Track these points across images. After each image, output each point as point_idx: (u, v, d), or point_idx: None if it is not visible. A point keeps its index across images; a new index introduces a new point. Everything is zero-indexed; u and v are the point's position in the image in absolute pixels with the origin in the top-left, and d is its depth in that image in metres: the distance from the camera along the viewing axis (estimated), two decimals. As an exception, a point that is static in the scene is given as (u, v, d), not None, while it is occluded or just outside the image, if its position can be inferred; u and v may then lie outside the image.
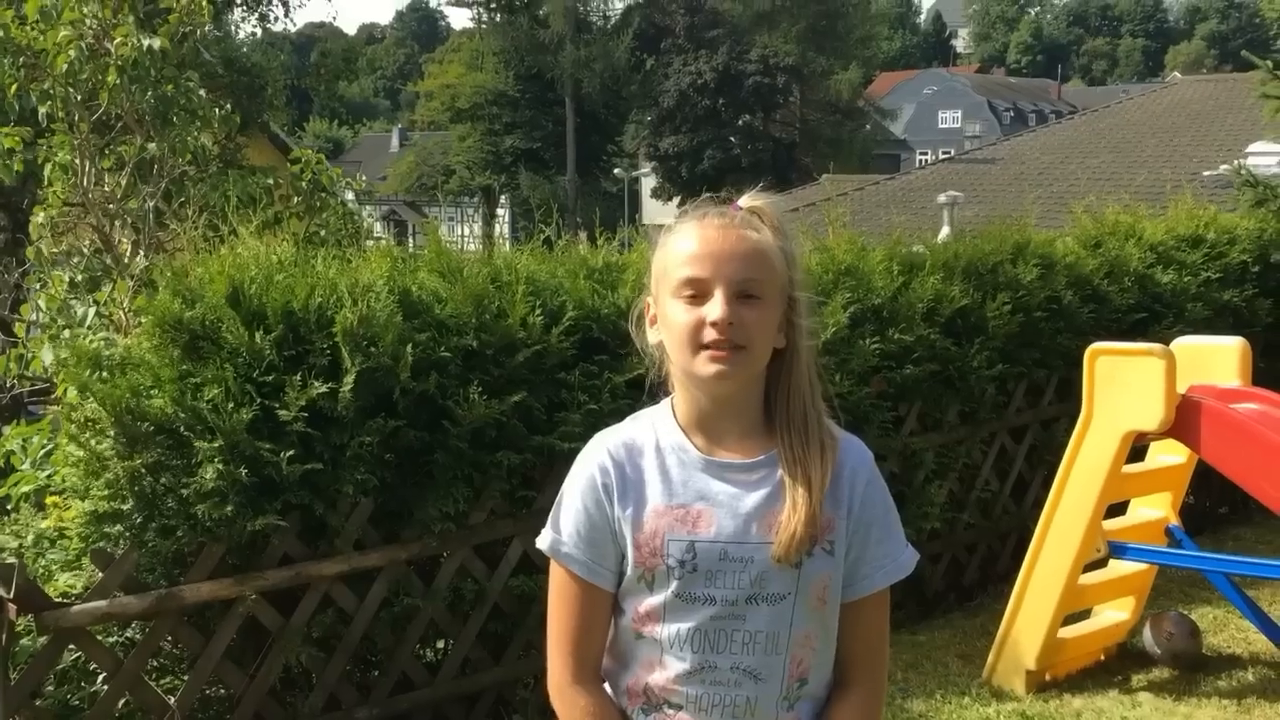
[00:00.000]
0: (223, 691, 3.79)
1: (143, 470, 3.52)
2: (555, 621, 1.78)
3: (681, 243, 1.72)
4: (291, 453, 3.59)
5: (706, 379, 1.69)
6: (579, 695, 1.76)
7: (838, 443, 1.76)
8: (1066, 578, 4.43)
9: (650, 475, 1.74)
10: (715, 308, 1.66)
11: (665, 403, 1.80)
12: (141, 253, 5.61)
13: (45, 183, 5.92)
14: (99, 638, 3.55)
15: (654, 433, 1.77)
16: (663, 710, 1.75)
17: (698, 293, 1.68)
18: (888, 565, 1.78)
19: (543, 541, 1.80)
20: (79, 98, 5.74)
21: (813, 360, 1.78)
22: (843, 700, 1.78)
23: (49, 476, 4.12)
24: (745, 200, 1.77)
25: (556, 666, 1.78)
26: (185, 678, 3.67)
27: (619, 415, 1.88)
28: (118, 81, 5.68)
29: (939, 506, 5.35)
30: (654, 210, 43.55)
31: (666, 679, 1.73)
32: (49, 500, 3.97)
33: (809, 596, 1.71)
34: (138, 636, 3.64)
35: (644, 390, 1.86)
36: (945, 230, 10.44)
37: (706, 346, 1.67)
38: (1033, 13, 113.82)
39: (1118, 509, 4.80)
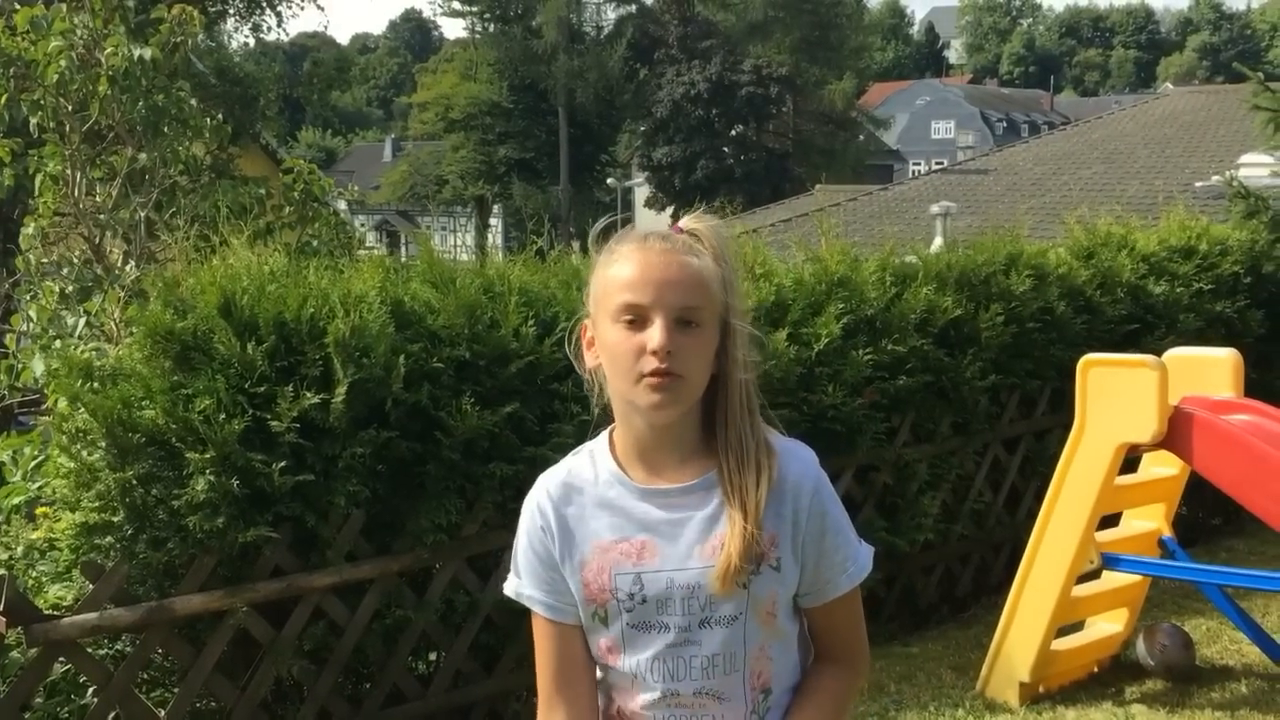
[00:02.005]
0: (213, 704, 3.77)
1: (134, 482, 3.50)
2: (537, 662, 1.80)
3: (621, 267, 1.70)
4: (283, 464, 3.58)
5: (645, 409, 1.68)
6: None
7: (775, 458, 1.73)
8: (1060, 589, 4.43)
9: (591, 511, 1.74)
10: (655, 335, 1.65)
11: (603, 436, 1.80)
12: (132, 263, 5.60)
13: (36, 193, 5.91)
14: (89, 650, 3.53)
15: (593, 468, 1.77)
16: None
17: (637, 318, 1.67)
18: (850, 569, 1.78)
19: (508, 587, 1.81)
20: (70, 108, 5.73)
21: (750, 386, 1.75)
22: (821, 671, 1.81)
23: (39, 488, 4.10)
24: (686, 222, 1.76)
25: (539, 706, 1.79)
26: (176, 690, 3.65)
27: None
28: (109, 92, 5.68)
29: (932, 517, 5.35)
30: (647, 220, 43.56)
31: (637, 706, 1.75)
32: (39, 511, 3.95)
33: (758, 614, 1.72)
34: (128, 649, 3.62)
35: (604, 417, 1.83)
36: (938, 241, 10.46)
37: (646, 375, 1.66)
38: (1025, 24, 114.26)
39: (1111, 520, 4.79)
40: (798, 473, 1.75)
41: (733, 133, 42.92)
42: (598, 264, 1.75)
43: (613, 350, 1.69)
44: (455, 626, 4.11)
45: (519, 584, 1.79)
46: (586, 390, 1.80)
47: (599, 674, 1.79)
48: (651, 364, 1.65)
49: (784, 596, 1.74)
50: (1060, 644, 4.67)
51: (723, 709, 1.73)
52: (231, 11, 20.00)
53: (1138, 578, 4.76)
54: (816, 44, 45.17)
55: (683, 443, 1.74)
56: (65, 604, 3.58)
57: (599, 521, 1.74)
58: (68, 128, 5.76)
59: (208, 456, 3.48)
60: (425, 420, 3.90)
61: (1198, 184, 15.00)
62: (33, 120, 5.79)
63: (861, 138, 50.26)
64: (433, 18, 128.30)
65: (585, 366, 1.78)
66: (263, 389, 3.62)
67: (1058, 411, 5.74)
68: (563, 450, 1.84)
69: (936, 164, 43.25)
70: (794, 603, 1.77)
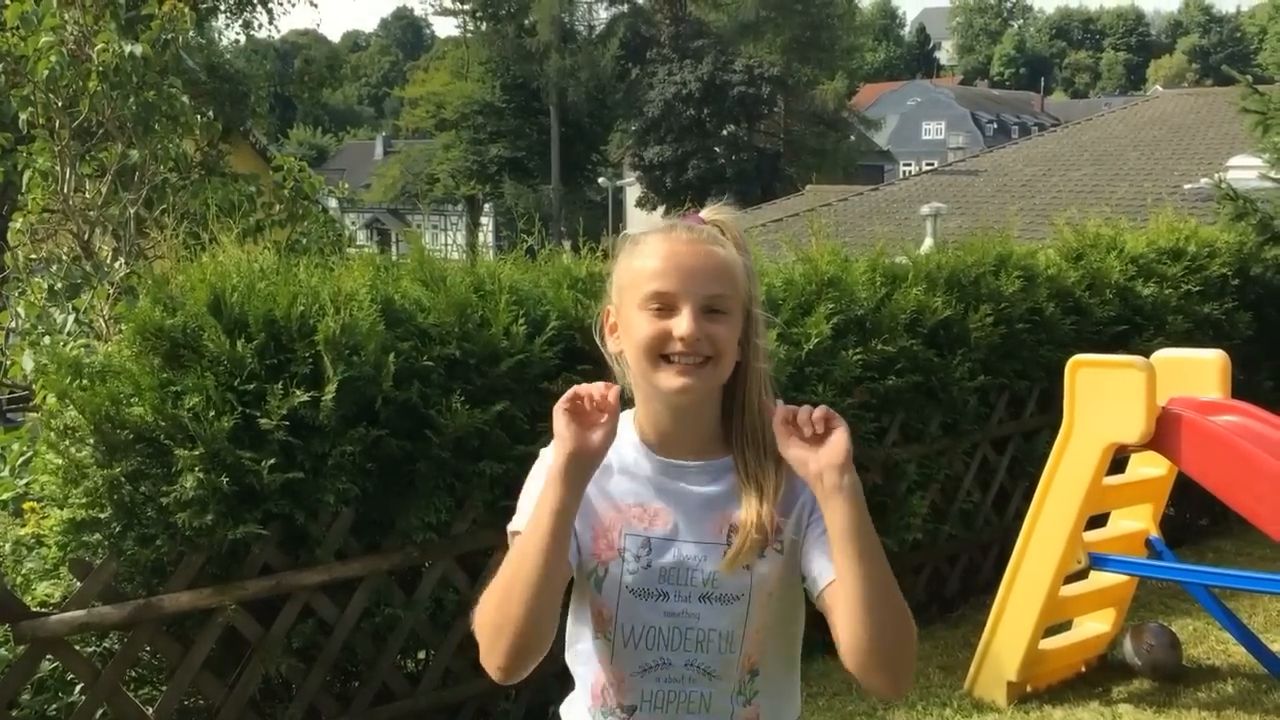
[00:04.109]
0: (201, 702, 3.76)
1: (122, 478, 3.50)
2: None
3: (647, 257, 1.72)
4: (273, 461, 3.57)
5: (670, 392, 1.70)
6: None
7: None
8: (1048, 589, 4.44)
9: (605, 473, 1.76)
10: (683, 323, 1.67)
11: (626, 413, 1.81)
12: (122, 260, 5.59)
13: (25, 189, 5.90)
14: (77, 648, 3.52)
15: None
16: (617, 713, 1.77)
17: (664, 306, 1.70)
18: None
19: (514, 526, 1.78)
20: (60, 104, 5.72)
21: (767, 376, 1.78)
22: None
23: (27, 484, 4.09)
24: (707, 213, 1.79)
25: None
26: (164, 688, 3.65)
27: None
28: (99, 88, 5.67)
29: (921, 517, 5.35)
30: (639, 220, 43.54)
31: (622, 677, 1.76)
32: (27, 507, 3.94)
33: (760, 594, 1.73)
34: (116, 646, 3.61)
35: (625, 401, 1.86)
36: (928, 241, 10.48)
37: (669, 359, 1.69)
38: (1016, 25, 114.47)
39: (1098, 521, 4.81)
40: None
41: (724, 132, 42.94)
42: (622, 253, 1.78)
43: (637, 336, 1.71)
44: (444, 625, 4.11)
45: (517, 521, 1.76)
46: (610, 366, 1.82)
47: (586, 644, 1.79)
48: (677, 348, 1.68)
49: (785, 578, 1.75)
50: (1048, 644, 4.68)
51: (711, 685, 1.74)
52: (222, 8, 19.98)
53: (1125, 578, 4.78)
54: (808, 44, 45.21)
55: (702, 429, 1.76)
56: (53, 601, 3.57)
57: (617, 484, 1.76)
58: (57, 124, 5.75)
59: (197, 454, 3.48)
60: (415, 418, 3.89)
61: (1186, 186, 15.05)
62: (22, 116, 5.78)
63: (852, 138, 50.32)
64: (425, 16, 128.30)
65: (609, 351, 1.81)
66: (252, 386, 3.62)
67: (1046, 412, 5.75)
68: (553, 449, 1.84)
69: (927, 165, 43.35)
70: (804, 591, 1.76)
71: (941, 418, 5.49)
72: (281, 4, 21.13)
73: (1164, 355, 4.69)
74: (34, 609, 3.43)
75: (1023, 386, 5.85)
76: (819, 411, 1.64)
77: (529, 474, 1.82)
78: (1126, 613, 4.97)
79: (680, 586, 1.72)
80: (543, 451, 1.82)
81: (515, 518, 1.78)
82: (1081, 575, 4.66)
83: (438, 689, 4.11)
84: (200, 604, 3.58)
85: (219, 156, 8.61)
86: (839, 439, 1.62)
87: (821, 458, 1.62)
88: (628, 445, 1.78)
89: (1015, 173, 20.01)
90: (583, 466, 1.64)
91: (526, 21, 45.97)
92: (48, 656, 3.46)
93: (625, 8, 47.45)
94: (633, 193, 46.51)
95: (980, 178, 20.58)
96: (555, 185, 45.33)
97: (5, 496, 4.20)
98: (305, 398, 3.62)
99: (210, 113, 6.95)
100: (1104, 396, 4.29)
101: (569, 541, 1.66)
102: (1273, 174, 8.08)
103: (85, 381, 3.57)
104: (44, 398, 3.74)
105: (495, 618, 1.66)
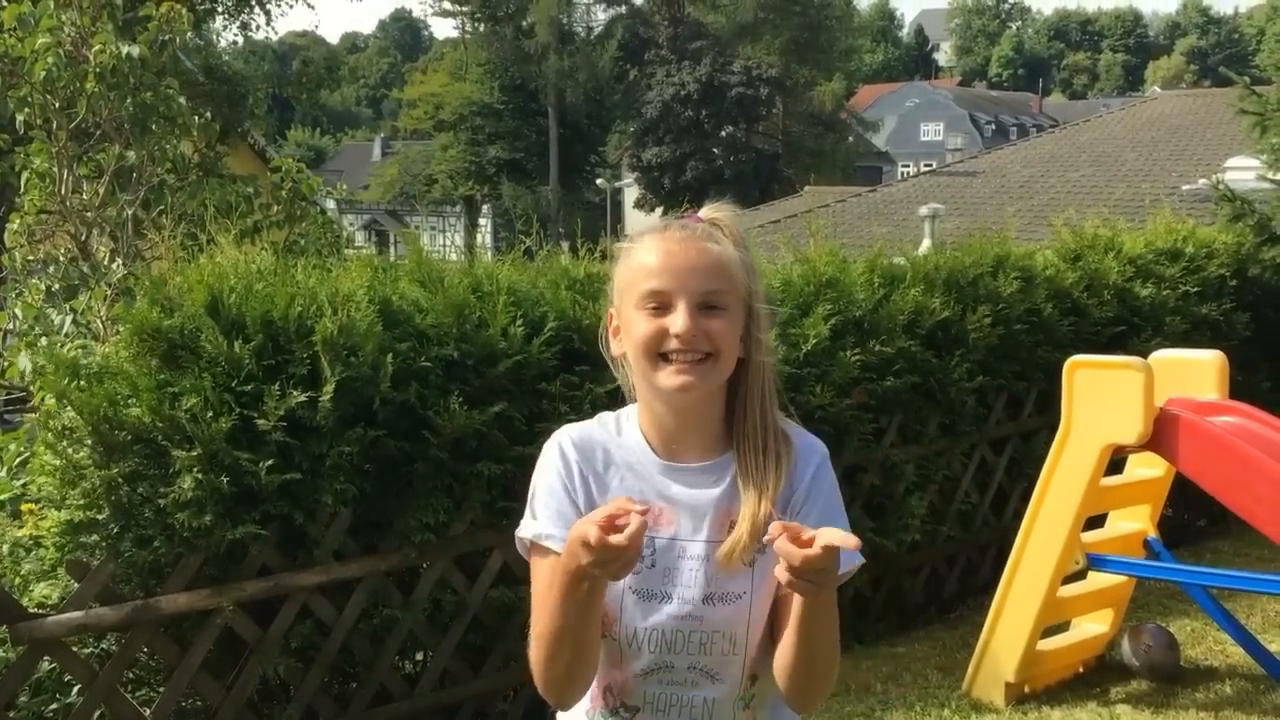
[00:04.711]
0: (199, 703, 3.76)
1: (120, 479, 3.49)
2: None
3: (643, 256, 1.73)
4: (270, 462, 3.57)
5: (670, 390, 1.70)
6: None
7: (794, 450, 1.77)
8: (1046, 590, 4.44)
9: (612, 469, 1.76)
10: (678, 319, 1.68)
11: (632, 407, 1.82)
12: (119, 261, 5.59)
13: (22, 190, 5.89)
14: (74, 649, 3.52)
15: (618, 432, 1.80)
16: (620, 713, 1.76)
17: (660, 305, 1.70)
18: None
19: (526, 530, 1.77)
20: (57, 105, 5.72)
21: (770, 373, 1.78)
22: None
23: (25, 485, 4.09)
24: (706, 212, 1.79)
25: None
26: (161, 689, 3.64)
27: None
28: (96, 89, 5.66)
29: (919, 518, 5.35)
30: (637, 221, 43.55)
31: (625, 679, 1.75)
32: (25, 509, 3.94)
33: (763, 595, 1.73)
34: (114, 648, 3.61)
35: (623, 402, 1.87)
36: (926, 243, 10.47)
37: (668, 358, 1.69)
38: (1014, 27, 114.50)
39: (1096, 521, 4.81)
40: (805, 458, 1.78)
41: (722, 134, 42.98)
42: (620, 256, 1.78)
43: (636, 336, 1.71)
44: (442, 626, 4.11)
45: (538, 525, 1.75)
46: (614, 372, 1.82)
47: None
48: (674, 345, 1.68)
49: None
50: (1046, 644, 4.68)
51: (714, 689, 1.73)
52: (220, 10, 19.97)
53: (1123, 579, 4.78)
54: (806, 45, 45.27)
55: (705, 428, 1.76)
56: (50, 602, 3.57)
57: (620, 481, 1.75)
58: (55, 125, 5.74)
59: (194, 454, 3.48)
60: (413, 419, 3.89)
61: (1185, 187, 15.06)
62: (19, 117, 5.78)
63: (851, 139, 50.36)
64: (423, 17, 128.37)
65: (611, 355, 1.81)
66: (250, 387, 3.61)
67: (1044, 413, 5.75)
68: (552, 450, 1.84)
69: (925, 166, 43.37)
70: None
71: (939, 418, 5.49)
72: (279, 5, 21.13)
73: (1162, 356, 4.69)
74: (31, 610, 3.43)
75: (1021, 387, 5.85)
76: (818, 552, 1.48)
77: (536, 471, 1.81)
78: (1124, 613, 4.97)
79: (684, 588, 1.71)
80: (546, 445, 1.81)
81: (532, 523, 1.76)
82: (1079, 576, 4.66)
83: (435, 690, 4.11)
84: (198, 605, 3.58)
85: (217, 158, 8.60)
86: (832, 562, 1.51)
87: (808, 565, 1.48)
88: (632, 443, 1.78)
89: (1013, 174, 20.01)
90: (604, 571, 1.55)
91: (525, 23, 46.00)
92: (45, 658, 3.46)
93: (623, 9, 47.50)
94: (631, 194, 46.51)
95: (978, 179, 20.59)
96: (553, 186, 45.35)
97: (3, 498, 4.19)
98: (303, 398, 3.62)
99: (208, 114, 6.95)
100: (1102, 397, 4.29)
101: (600, 608, 1.67)
102: (1270, 175, 8.08)
103: (83, 382, 3.57)
104: (42, 399, 3.74)
105: (545, 675, 1.69)
